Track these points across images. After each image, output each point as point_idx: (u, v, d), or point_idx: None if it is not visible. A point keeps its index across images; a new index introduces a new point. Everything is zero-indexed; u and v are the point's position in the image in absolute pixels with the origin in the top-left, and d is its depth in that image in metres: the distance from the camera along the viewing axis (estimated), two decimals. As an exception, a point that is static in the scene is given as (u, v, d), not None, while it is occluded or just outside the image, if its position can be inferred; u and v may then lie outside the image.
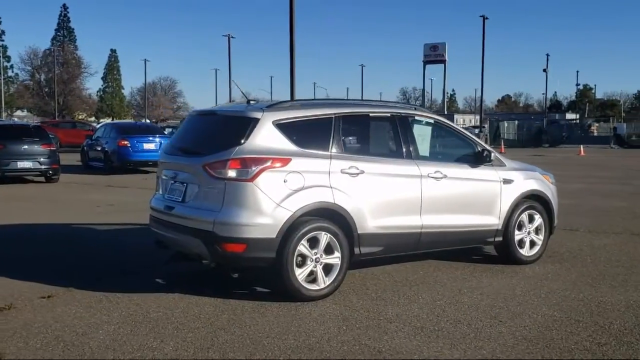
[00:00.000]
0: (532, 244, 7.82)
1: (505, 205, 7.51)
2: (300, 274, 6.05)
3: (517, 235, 7.66)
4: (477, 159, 7.37)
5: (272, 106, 6.35)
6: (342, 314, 5.77)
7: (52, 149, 17.58)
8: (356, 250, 6.41)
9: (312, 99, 7.19)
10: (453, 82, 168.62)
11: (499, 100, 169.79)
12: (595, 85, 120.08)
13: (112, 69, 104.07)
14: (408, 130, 6.96)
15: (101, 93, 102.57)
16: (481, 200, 7.37)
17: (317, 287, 6.15)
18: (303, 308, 5.93)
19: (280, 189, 5.94)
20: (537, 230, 7.86)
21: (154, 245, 7.02)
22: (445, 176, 7.00)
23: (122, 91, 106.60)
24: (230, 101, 73.42)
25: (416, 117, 7.16)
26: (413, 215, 6.80)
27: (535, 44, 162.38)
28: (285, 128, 6.19)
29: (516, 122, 57.20)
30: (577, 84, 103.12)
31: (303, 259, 6.09)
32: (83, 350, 4.87)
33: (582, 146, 39.64)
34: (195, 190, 6.15)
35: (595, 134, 66.19)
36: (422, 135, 7.12)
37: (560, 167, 23.15)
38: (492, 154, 7.39)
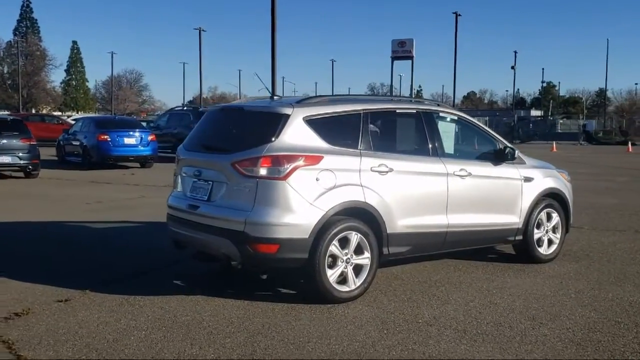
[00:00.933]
0: (550, 242, 7.76)
1: (526, 203, 7.43)
2: (332, 275, 5.86)
3: (536, 234, 7.58)
4: (500, 157, 7.26)
5: (302, 102, 6.13)
6: (378, 316, 5.60)
7: (32, 143, 16.98)
8: (384, 251, 6.24)
9: (339, 95, 6.98)
10: (419, 77, 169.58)
11: (464, 97, 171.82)
12: (559, 83, 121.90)
13: (75, 61, 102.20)
14: (434, 126, 6.81)
15: (65, 86, 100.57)
16: (504, 199, 7.27)
17: (348, 289, 5.96)
18: (336, 310, 5.75)
19: (312, 187, 5.74)
20: (554, 229, 7.80)
21: (173, 245, 6.74)
22: (469, 174, 6.87)
23: (87, 84, 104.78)
24: (200, 94, 72.61)
25: (440, 114, 7.02)
26: (439, 215, 6.65)
27: (499, 41, 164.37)
28: (315, 124, 5.98)
29: (487, 118, 57.78)
30: (543, 81, 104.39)
31: (334, 260, 5.90)
32: (119, 358, 4.62)
33: (554, 142, 40.18)
34: (223, 189, 5.90)
35: (560, 131, 67.20)
36: (446, 132, 6.98)
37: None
38: (516, 152, 7.29)
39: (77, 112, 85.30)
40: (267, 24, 23.83)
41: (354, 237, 5.96)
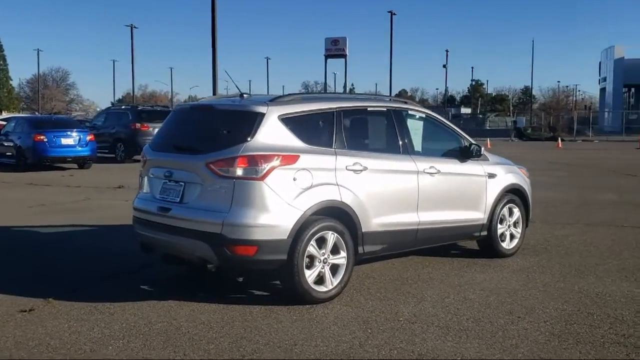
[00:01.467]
0: (512, 237, 7.91)
1: (490, 199, 7.54)
2: (310, 275, 5.78)
3: (500, 229, 7.71)
4: (466, 154, 7.33)
5: (275, 100, 6.01)
6: (359, 316, 5.55)
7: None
8: (360, 250, 6.20)
9: (311, 93, 6.90)
10: (353, 75, 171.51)
11: (395, 95, 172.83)
12: (487, 81, 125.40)
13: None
14: (403, 124, 6.82)
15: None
16: (470, 195, 7.35)
17: (325, 289, 5.89)
18: (315, 311, 5.67)
19: (290, 187, 5.64)
20: (515, 224, 7.96)
21: (140, 248, 6.49)
22: (438, 171, 6.91)
23: (11, 82, 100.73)
24: (133, 92, 70.76)
25: (409, 112, 7.04)
26: (411, 212, 6.67)
27: (429, 39, 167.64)
28: (290, 123, 5.88)
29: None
30: (472, 80, 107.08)
31: (311, 260, 5.81)
32: (101, 370, 4.41)
33: (488, 139, 41.21)
34: (197, 190, 5.71)
35: (488, 128, 68.94)
36: (415, 129, 7.00)
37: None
38: (482, 149, 7.38)
39: (1, 112, 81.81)
40: (199, 21, 24.28)
41: (331, 237, 5.89)
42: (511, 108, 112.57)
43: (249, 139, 5.61)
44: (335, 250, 5.96)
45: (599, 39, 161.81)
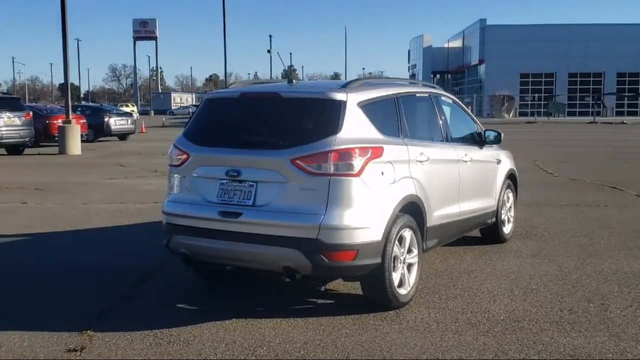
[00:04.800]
0: (508, 221, 7.95)
1: (498, 185, 7.51)
2: (396, 278, 5.28)
3: (502, 215, 7.70)
4: (482, 140, 7.17)
5: (348, 86, 5.33)
6: (458, 319, 5.14)
7: None
8: (424, 246, 5.79)
9: (368, 78, 6.28)
10: (166, 59, 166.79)
11: (206, 79, 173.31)
12: (302, 67, 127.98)
13: None
14: (442, 110, 6.51)
15: None
16: (488, 182, 7.25)
17: (405, 292, 5.42)
18: (406, 317, 5.19)
19: (380, 183, 5.08)
20: (509, 208, 8.00)
21: (183, 261, 5.49)
22: (471, 159, 6.71)
23: None
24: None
25: (442, 97, 6.72)
26: (455, 203, 6.39)
27: (249, 25, 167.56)
28: (367, 111, 5.27)
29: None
30: (290, 65, 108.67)
31: (394, 262, 5.30)
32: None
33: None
34: (278, 191, 4.91)
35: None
36: (446, 115, 6.70)
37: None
38: (502, 135, 7.26)
39: None
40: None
41: (408, 235, 5.43)
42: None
43: (338, 130, 4.94)
44: (409, 249, 5.51)
45: (407, 28, 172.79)
